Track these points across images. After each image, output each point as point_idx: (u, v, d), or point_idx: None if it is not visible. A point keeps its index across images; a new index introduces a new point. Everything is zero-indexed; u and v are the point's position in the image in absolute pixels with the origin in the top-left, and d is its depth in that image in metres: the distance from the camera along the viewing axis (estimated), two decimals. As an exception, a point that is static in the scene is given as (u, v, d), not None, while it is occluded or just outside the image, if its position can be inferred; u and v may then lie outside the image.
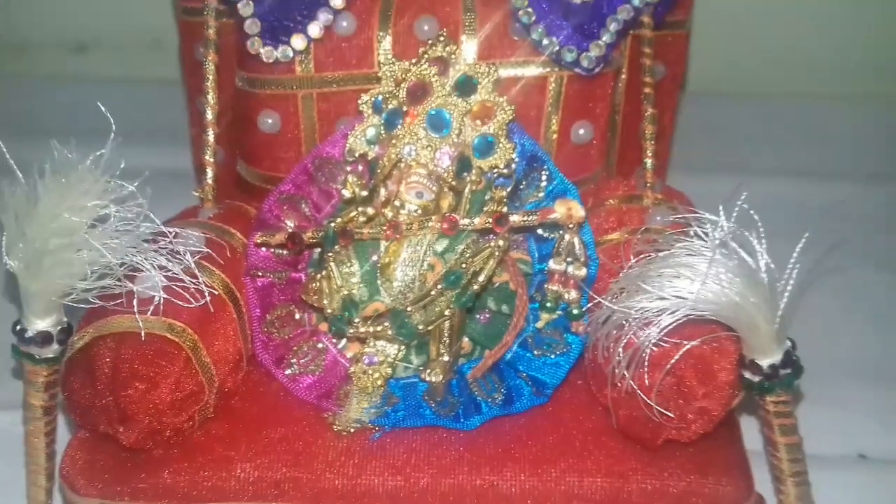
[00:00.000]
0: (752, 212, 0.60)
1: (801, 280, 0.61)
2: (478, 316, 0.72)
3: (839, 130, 1.30)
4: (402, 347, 0.71)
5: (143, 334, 0.62)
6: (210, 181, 0.76)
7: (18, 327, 0.66)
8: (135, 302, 0.61)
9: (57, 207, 0.60)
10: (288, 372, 0.72)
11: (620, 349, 0.63)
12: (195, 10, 0.85)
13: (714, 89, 1.29)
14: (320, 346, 0.73)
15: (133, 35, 1.42)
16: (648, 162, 0.77)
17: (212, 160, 0.77)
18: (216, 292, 0.67)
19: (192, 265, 0.64)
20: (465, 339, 0.72)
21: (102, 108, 0.65)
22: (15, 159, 1.19)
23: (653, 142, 0.78)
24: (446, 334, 0.69)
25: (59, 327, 0.66)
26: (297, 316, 0.74)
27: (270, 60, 0.76)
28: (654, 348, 0.62)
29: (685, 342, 0.62)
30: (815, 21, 1.33)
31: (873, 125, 1.30)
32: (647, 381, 0.63)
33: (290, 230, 0.70)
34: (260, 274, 0.72)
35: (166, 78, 1.37)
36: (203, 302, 0.64)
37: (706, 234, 0.62)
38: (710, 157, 1.16)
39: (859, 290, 1.01)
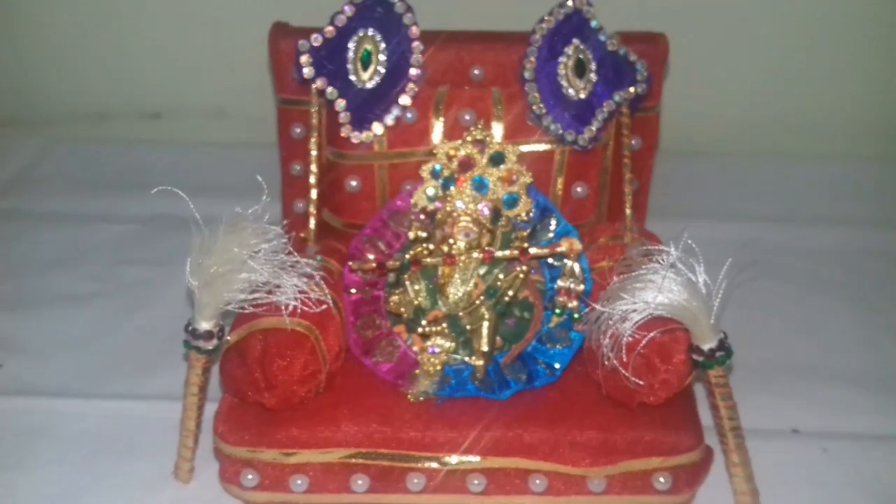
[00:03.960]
0: (693, 245, 0.82)
1: (728, 291, 0.81)
2: (508, 321, 0.92)
3: (780, 183, 1.48)
4: (454, 343, 0.91)
5: (289, 328, 0.83)
6: (312, 227, 0.97)
7: (190, 327, 0.86)
8: (283, 308, 0.83)
9: (229, 244, 0.83)
10: (373, 360, 0.91)
11: (607, 339, 0.82)
12: (291, 101, 1.05)
13: (682, 149, 1.47)
14: (395, 342, 0.92)
15: (201, 104, 1.57)
16: (628, 212, 0.97)
17: (314, 212, 0.97)
18: (329, 304, 0.87)
19: (319, 283, 0.85)
20: (499, 338, 0.91)
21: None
22: (113, 209, 1.40)
23: (631, 197, 0.98)
24: (485, 332, 0.89)
25: (218, 328, 0.85)
26: (378, 322, 0.92)
27: (357, 142, 0.98)
28: (630, 338, 0.80)
29: (650, 333, 0.80)
30: (773, 86, 1.49)
31: (810, 178, 1.48)
32: (625, 360, 0.81)
33: (377, 261, 0.91)
34: (353, 291, 0.92)
35: (229, 141, 1.55)
36: (324, 307, 0.85)
37: (663, 260, 0.82)
38: (678, 205, 1.33)
39: (788, 306, 1.21)
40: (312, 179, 0.98)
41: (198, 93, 1.56)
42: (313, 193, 0.98)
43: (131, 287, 1.25)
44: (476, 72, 1.03)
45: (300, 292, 0.85)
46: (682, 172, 1.44)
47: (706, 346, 0.83)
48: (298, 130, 1.07)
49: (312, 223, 0.98)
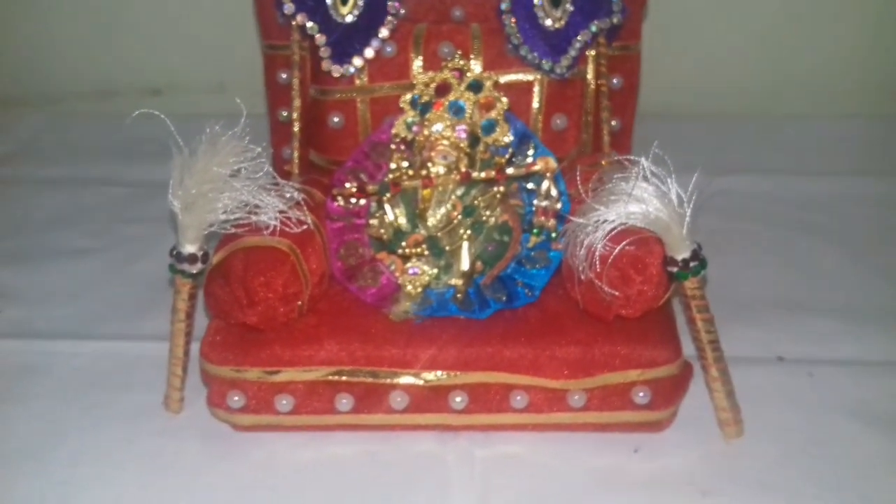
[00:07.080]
0: (665, 156, 0.83)
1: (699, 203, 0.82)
2: (488, 246, 0.92)
3: (767, 141, 1.51)
4: (435, 268, 0.92)
5: (269, 246, 0.84)
6: (296, 160, 1.01)
7: (175, 251, 0.87)
8: (263, 227, 0.85)
9: (209, 164, 0.84)
10: (357, 285, 0.92)
11: (582, 251, 0.82)
12: (276, 46, 1.07)
13: (669, 112, 1.47)
14: (377, 268, 0.93)
15: (200, 80, 1.60)
16: (606, 138, 1.00)
17: (297, 145, 1.00)
18: (310, 225, 0.88)
19: (300, 203, 0.86)
20: (479, 262, 0.92)
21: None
22: (112, 175, 1.43)
23: (608, 124, 1.01)
24: (465, 252, 0.91)
25: (202, 252, 0.87)
26: (360, 250, 0.94)
27: (338, 76, 1.00)
28: (604, 249, 0.81)
29: (623, 242, 0.81)
30: (760, 48, 1.53)
31: (797, 135, 1.52)
32: (599, 271, 0.82)
33: (358, 186, 0.93)
34: (335, 219, 0.95)
35: (228, 113, 1.64)
36: (304, 228, 0.86)
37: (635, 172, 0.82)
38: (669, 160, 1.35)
39: (776, 248, 1.23)
40: (295, 115, 1.02)
41: (197, 69, 1.59)
42: (296, 127, 1.01)
43: (126, 243, 1.28)
44: (457, 13, 1.05)
45: (280, 212, 0.87)
46: (668, 133, 1.43)
47: (680, 257, 0.83)
48: (284, 76, 1.08)
49: (296, 156, 1.01)
